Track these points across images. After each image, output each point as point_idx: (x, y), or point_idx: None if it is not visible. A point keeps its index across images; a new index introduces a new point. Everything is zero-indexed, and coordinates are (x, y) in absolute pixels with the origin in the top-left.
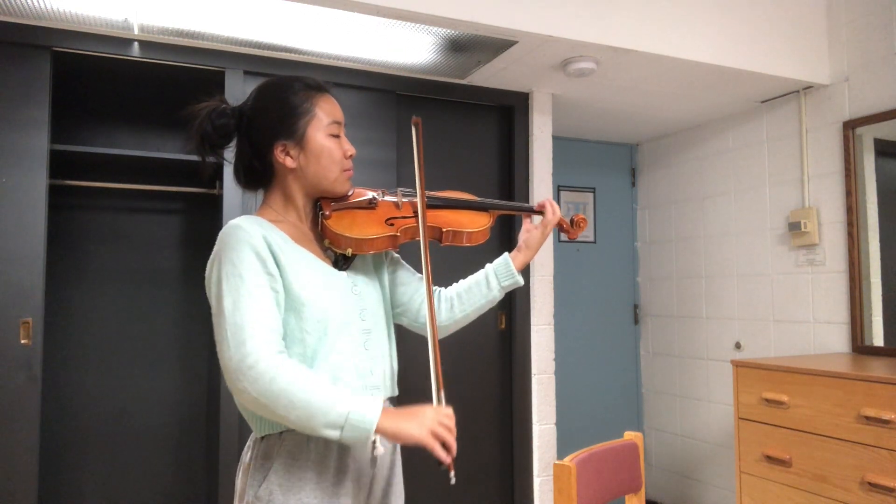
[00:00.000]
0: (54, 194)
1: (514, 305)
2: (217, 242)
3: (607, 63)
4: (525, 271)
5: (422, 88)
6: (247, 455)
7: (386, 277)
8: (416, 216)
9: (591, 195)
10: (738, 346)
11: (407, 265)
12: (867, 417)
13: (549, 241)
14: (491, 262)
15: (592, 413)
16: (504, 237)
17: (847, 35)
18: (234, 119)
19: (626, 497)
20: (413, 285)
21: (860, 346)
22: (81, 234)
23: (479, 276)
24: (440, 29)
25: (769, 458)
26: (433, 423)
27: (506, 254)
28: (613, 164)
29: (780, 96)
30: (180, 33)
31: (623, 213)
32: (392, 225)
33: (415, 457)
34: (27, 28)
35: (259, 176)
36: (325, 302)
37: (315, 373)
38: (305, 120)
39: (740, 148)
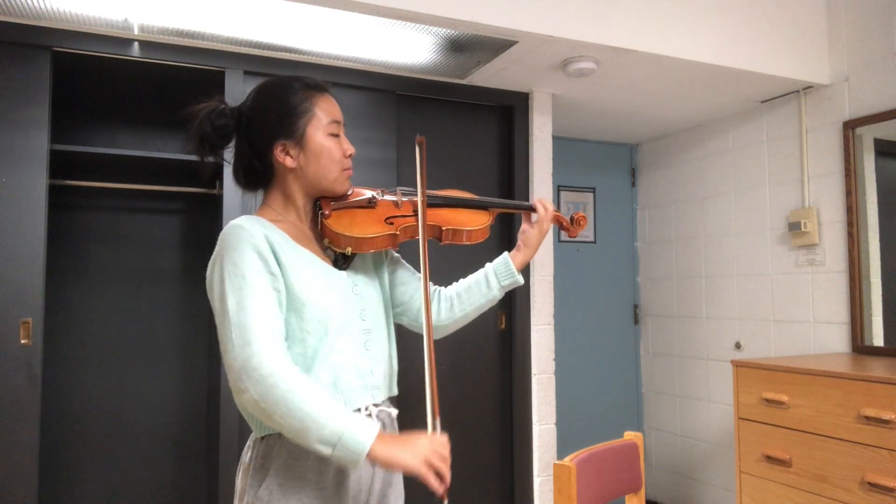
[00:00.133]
0: (54, 194)
1: (514, 305)
2: (218, 242)
3: (607, 63)
4: (525, 271)
5: (422, 88)
6: (247, 455)
7: (386, 277)
8: (416, 215)
9: (591, 195)
10: (738, 346)
11: (407, 264)
12: (867, 417)
13: (549, 240)
14: (491, 261)
15: (592, 413)
16: (504, 236)
17: (847, 35)
18: (233, 119)
19: (626, 497)
20: (413, 285)
21: (860, 346)
22: (81, 234)
23: (478, 275)
24: (440, 29)
25: (769, 458)
26: (427, 451)
27: (505, 253)
28: (613, 164)
29: (780, 96)
30: (180, 33)
31: (623, 213)
32: (392, 224)
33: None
34: (27, 28)
35: (259, 176)
36: (325, 302)
37: (316, 378)
38: (305, 119)
39: (740, 148)
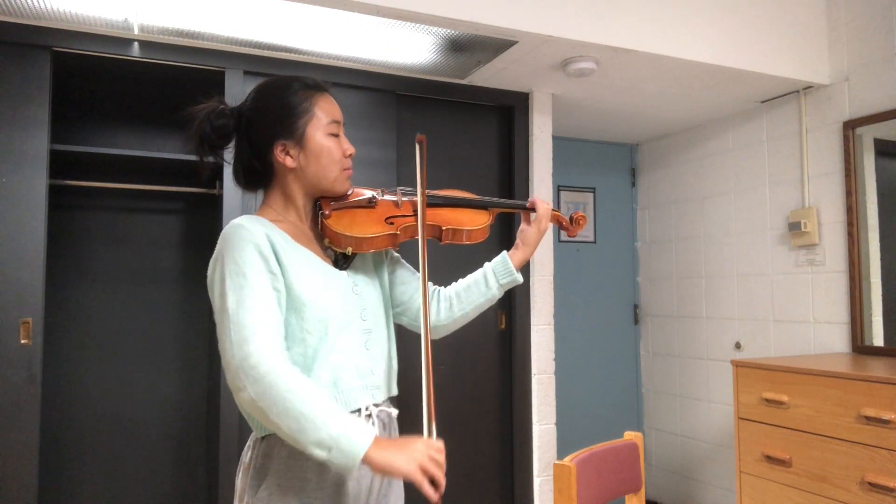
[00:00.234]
0: (54, 194)
1: (514, 305)
2: (219, 242)
3: (607, 63)
4: (525, 271)
5: (422, 88)
6: (247, 455)
7: (386, 277)
8: (416, 215)
9: (591, 195)
10: (738, 346)
11: (407, 264)
12: (867, 417)
13: (549, 241)
14: (490, 260)
15: (592, 413)
16: (504, 236)
17: (847, 35)
18: (233, 120)
19: (626, 497)
20: (413, 285)
21: (860, 346)
22: (81, 234)
23: (477, 274)
24: (440, 29)
25: (769, 458)
26: (423, 457)
27: (504, 252)
28: (613, 164)
29: (780, 96)
30: (180, 33)
31: (623, 213)
32: (392, 224)
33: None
34: (27, 28)
35: (259, 176)
36: (325, 301)
37: (317, 378)
38: (305, 119)
39: (740, 148)
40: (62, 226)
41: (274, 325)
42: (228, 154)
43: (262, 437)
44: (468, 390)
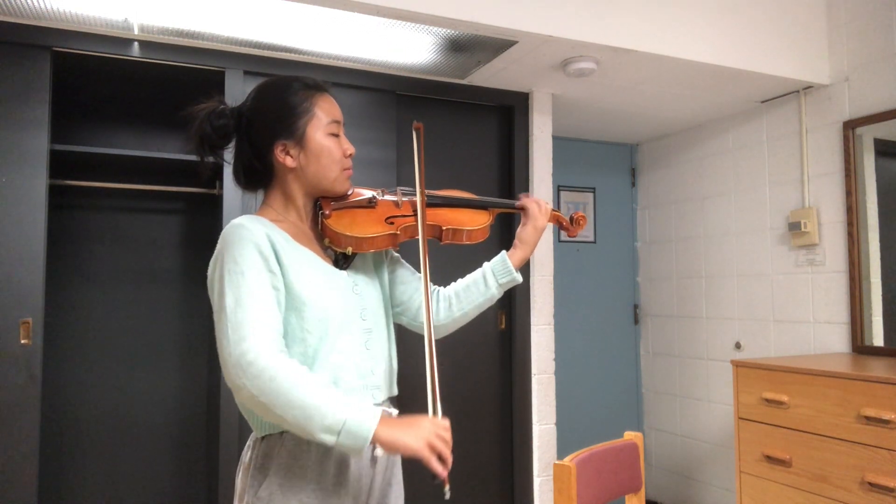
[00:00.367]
0: (54, 194)
1: (514, 305)
2: (220, 241)
3: (607, 63)
4: (525, 271)
5: (422, 88)
6: (247, 455)
7: (386, 276)
8: (416, 215)
9: (591, 195)
10: (738, 346)
11: (406, 264)
12: (867, 417)
13: (549, 241)
14: (490, 260)
15: (592, 413)
16: (504, 236)
17: (847, 35)
18: (233, 120)
19: (626, 497)
20: (413, 284)
21: (860, 346)
22: (81, 234)
23: (476, 274)
24: (440, 29)
25: (769, 458)
26: (430, 434)
27: (503, 251)
28: (613, 164)
29: (780, 96)
30: (180, 33)
31: (623, 213)
32: (392, 224)
33: (415, 458)
34: (27, 28)
35: (259, 176)
36: (326, 301)
37: (316, 374)
38: (305, 119)
39: (740, 148)
40: (62, 226)
41: (272, 324)
42: (228, 154)
43: (262, 437)
44: (468, 390)
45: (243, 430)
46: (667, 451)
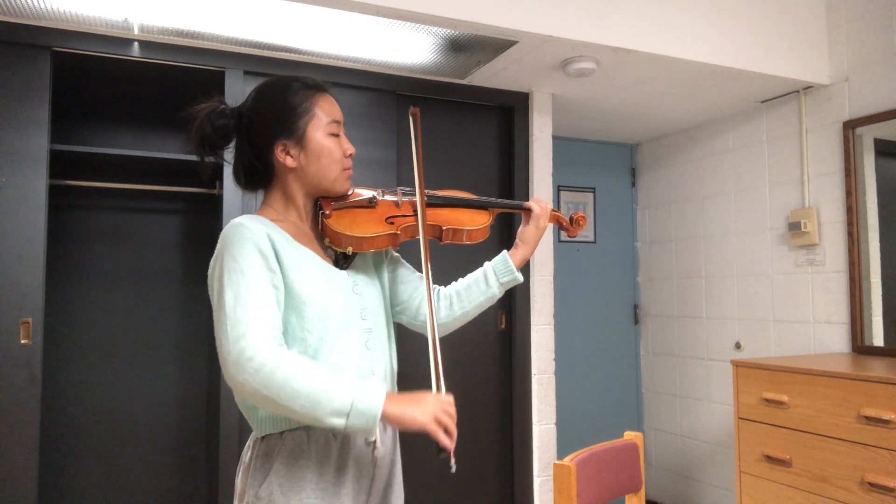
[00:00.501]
0: (54, 194)
1: (514, 305)
2: (220, 240)
3: (607, 63)
4: (525, 271)
5: (422, 88)
6: (247, 455)
7: (386, 276)
8: (416, 215)
9: (591, 195)
10: (738, 346)
11: (407, 264)
12: (867, 417)
13: (549, 240)
14: (490, 260)
15: (592, 413)
16: (504, 236)
17: (847, 35)
18: (233, 120)
19: (626, 497)
20: (413, 283)
21: (860, 346)
22: (81, 234)
23: (477, 273)
24: (440, 29)
25: (769, 458)
26: (436, 409)
27: (504, 251)
28: (613, 164)
29: (780, 96)
30: (180, 33)
31: (623, 213)
32: (392, 223)
33: (415, 458)
34: (27, 28)
35: (259, 176)
36: (326, 301)
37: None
38: (305, 119)
39: (740, 148)
40: (62, 226)
41: (271, 322)
42: (228, 154)
43: (262, 437)
44: (468, 390)
45: (243, 429)
46: (667, 451)
